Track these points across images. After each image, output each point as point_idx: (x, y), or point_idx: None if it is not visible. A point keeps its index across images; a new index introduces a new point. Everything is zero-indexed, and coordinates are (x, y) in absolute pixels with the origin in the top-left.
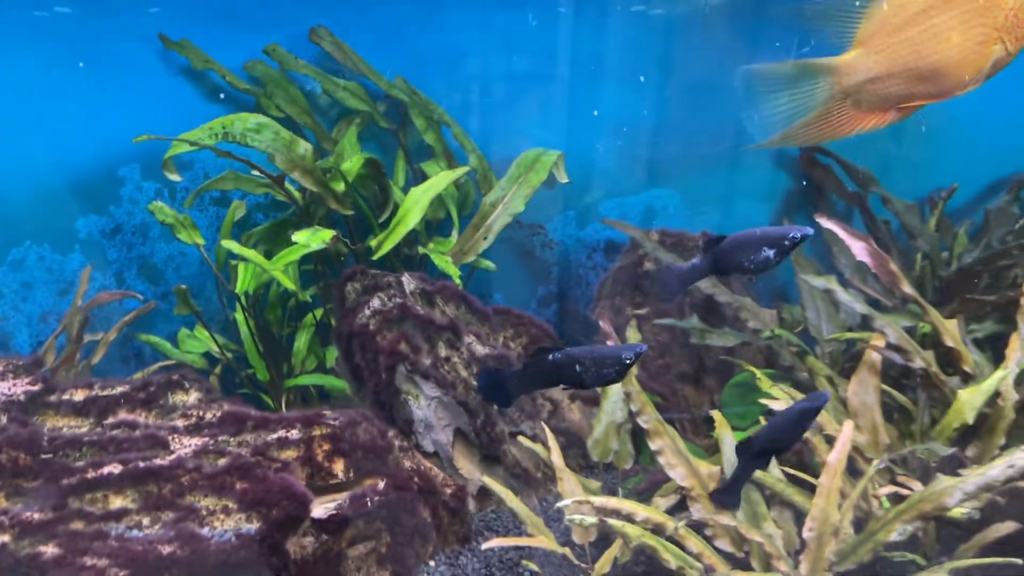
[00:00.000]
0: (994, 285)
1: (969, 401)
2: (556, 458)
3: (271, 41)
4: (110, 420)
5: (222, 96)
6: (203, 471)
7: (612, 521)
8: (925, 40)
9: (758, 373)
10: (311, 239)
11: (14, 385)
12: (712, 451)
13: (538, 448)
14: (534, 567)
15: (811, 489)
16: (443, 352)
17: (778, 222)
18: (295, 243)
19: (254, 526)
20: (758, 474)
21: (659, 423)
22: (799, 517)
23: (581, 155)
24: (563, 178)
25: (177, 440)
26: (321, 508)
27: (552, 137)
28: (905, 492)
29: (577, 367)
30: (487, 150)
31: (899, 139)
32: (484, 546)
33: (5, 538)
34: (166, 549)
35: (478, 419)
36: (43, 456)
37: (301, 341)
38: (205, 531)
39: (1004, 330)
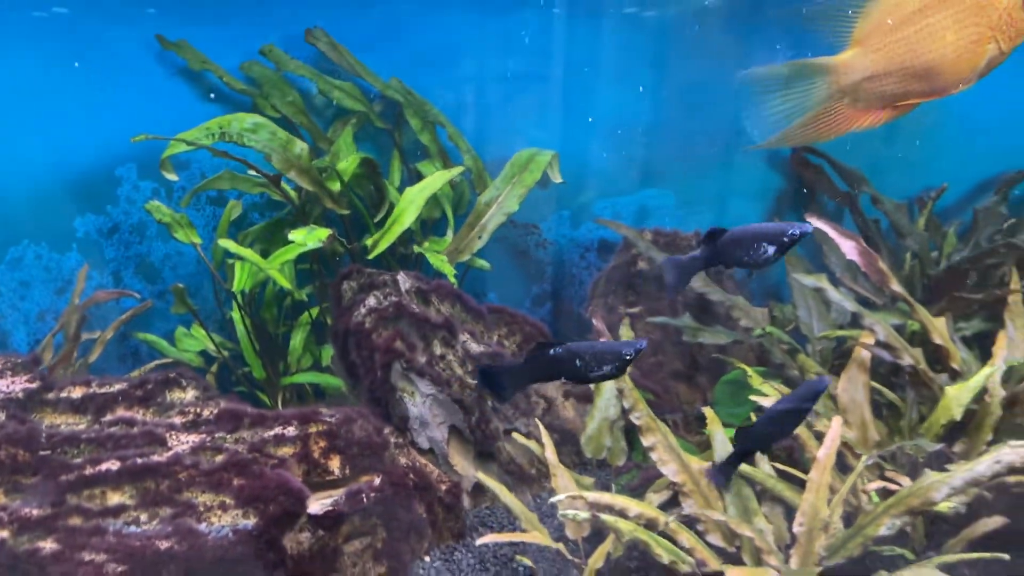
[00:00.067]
0: (982, 284)
1: (957, 398)
2: (550, 454)
3: (267, 42)
4: (108, 417)
5: (212, 96)
6: (200, 468)
7: (605, 516)
8: (921, 39)
9: (749, 371)
10: (308, 238)
11: (12, 383)
12: (704, 448)
13: (532, 445)
14: (528, 562)
15: (801, 485)
16: (438, 350)
17: (769, 221)
18: (292, 242)
19: (251, 522)
20: (749, 470)
21: (651, 419)
22: (790, 512)
23: (575, 155)
24: (557, 178)
25: (174, 437)
26: (317, 504)
27: (546, 137)
28: (894, 487)
29: (577, 362)
30: (482, 150)
31: (889, 139)
32: (479, 541)
33: (4, 534)
34: (164, 544)
35: (473, 416)
36: (41, 453)
37: (297, 339)
38: (202, 527)
39: (992, 328)
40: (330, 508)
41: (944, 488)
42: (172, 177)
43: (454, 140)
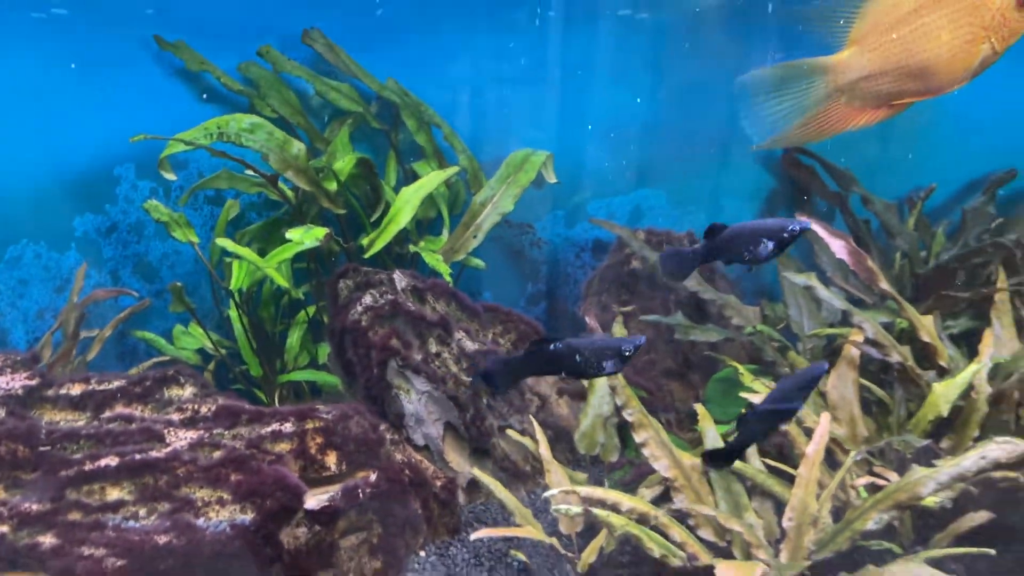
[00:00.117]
0: (970, 282)
1: (944, 394)
2: (544, 451)
3: (265, 43)
4: (107, 414)
5: (205, 96)
6: (198, 463)
7: (597, 511)
8: (916, 39)
9: (741, 368)
10: (304, 236)
11: (12, 379)
12: (697, 444)
13: (527, 441)
14: (522, 557)
15: (791, 480)
16: (434, 348)
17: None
18: (289, 241)
19: (248, 517)
20: (739, 466)
21: (643, 416)
22: (779, 507)
23: (570, 156)
24: (552, 178)
25: (173, 433)
26: (314, 499)
27: (541, 138)
28: (881, 482)
29: (577, 357)
30: (477, 151)
31: (879, 140)
32: (473, 536)
33: (4, 528)
34: (162, 539)
35: (468, 413)
36: (41, 449)
37: (294, 338)
38: (200, 522)
39: (979, 326)
40: (327, 503)
41: (931, 483)
42: (170, 177)
43: (450, 140)
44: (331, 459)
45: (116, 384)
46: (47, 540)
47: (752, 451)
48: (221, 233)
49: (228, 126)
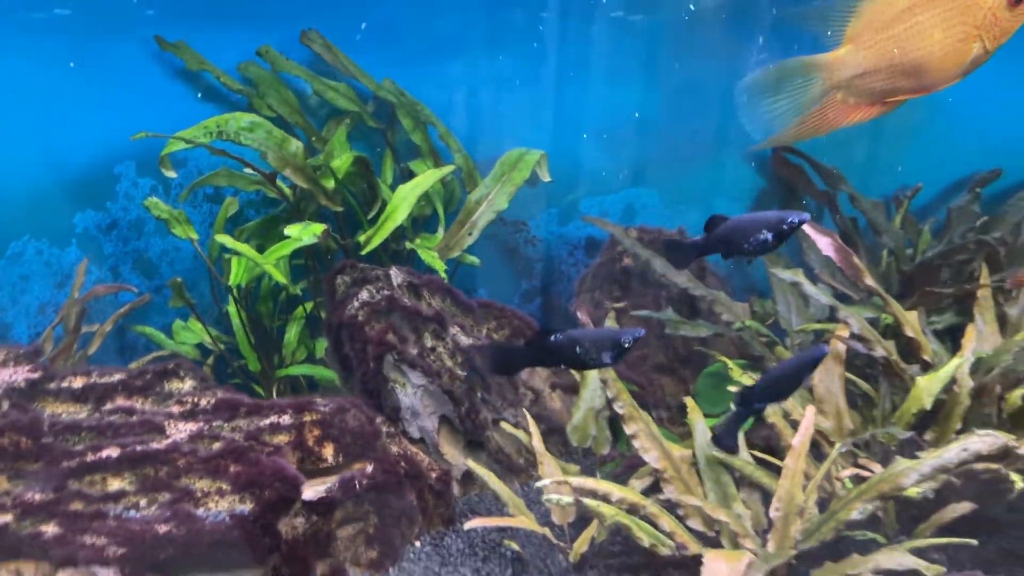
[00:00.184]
0: (955, 279)
1: (927, 388)
2: (537, 443)
3: (264, 43)
4: (108, 406)
5: (200, 95)
6: (198, 455)
7: (588, 501)
8: (909, 37)
9: (730, 363)
10: (303, 233)
11: (15, 373)
12: (687, 438)
13: (520, 434)
14: (515, 547)
15: (778, 472)
16: (429, 342)
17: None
18: (287, 237)
19: (247, 507)
20: (727, 458)
21: (634, 408)
22: (767, 498)
23: (564, 155)
24: (546, 177)
25: (173, 425)
26: (311, 490)
27: (535, 137)
28: (866, 474)
29: (577, 348)
30: (472, 149)
31: (867, 140)
32: (467, 525)
33: (7, 518)
34: (162, 529)
35: (462, 407)
36: (44, 440)
37: (291, 333)
38: (200, 512)
39: (963, 322)
40: (324, 494)
41: (913, 474)
42: (171, 174)
43: (445, 140)
44: (328, 451)
45: (117, 377)
46: (50, 529)
47: (741, 443)
48: (220, 230)
49: (227, 125)
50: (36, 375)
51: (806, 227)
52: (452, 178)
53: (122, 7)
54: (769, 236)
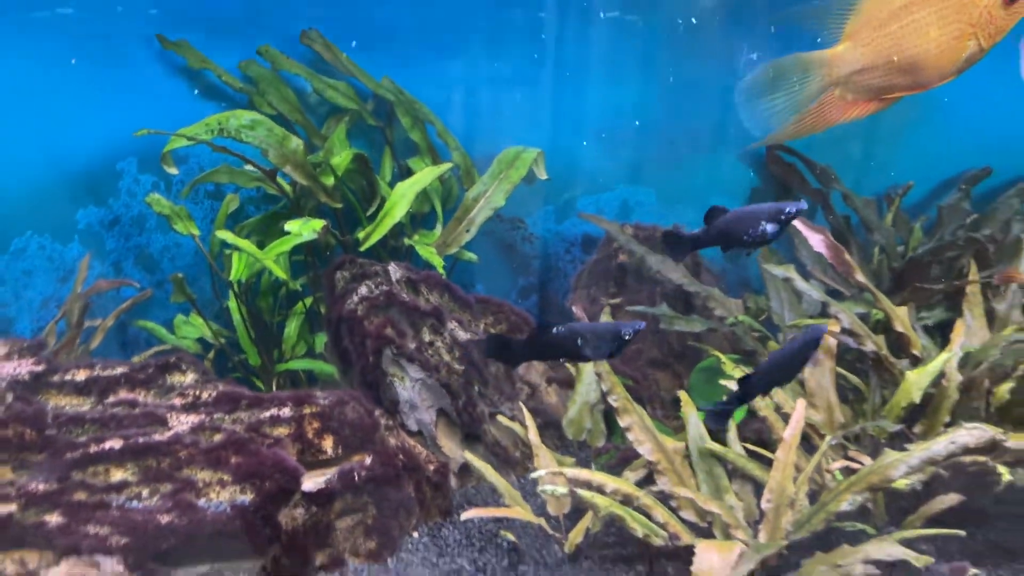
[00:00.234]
0: (946, 276)
1: (916, 382)
2: (533, 436)
3: (264, 42)
4: (111, 399)
5: (196, 93)
6: (200, 446)
7: (582, 492)
8: (906, 34)
9: (723, 357)
10: (303, 228)
11: (19, 365)
12: (681, 431)
13: (516, 427)
14: (511, 537)
15: (770, 464)
16: (427, 337)
17: None
18: (287, 233)
19: (248, 498)
20: (720, 450)
21: (628, 402)
22: (759, 489)
23: (560, 153)
24: (542, 175)
25: (175, 417)
26: (311, 482)
27: (532, 135)
28: (856, 466)
29: (578, 340)
30: (470, 147)
31: (859, 139)
32: (464, 516)
33: (12, 508)
34: (165, 519)
35: (460, 400)
36: (48, 432)
37: (291, 328)
38: (202, 502)
39: (953, 317)
40: (323, 486)
41: (902, 467)
42: (172, 171)
43: (443, 137)
44: (328, 443)
45: (120, 370)
46: (54, 519)
47: (733, 436)
48: (221, 226)
49: (229, 122)
50: (40, 368)
51: (799, 224)
52: (450, 176)
53: (125, 6)
54: (768, 227)
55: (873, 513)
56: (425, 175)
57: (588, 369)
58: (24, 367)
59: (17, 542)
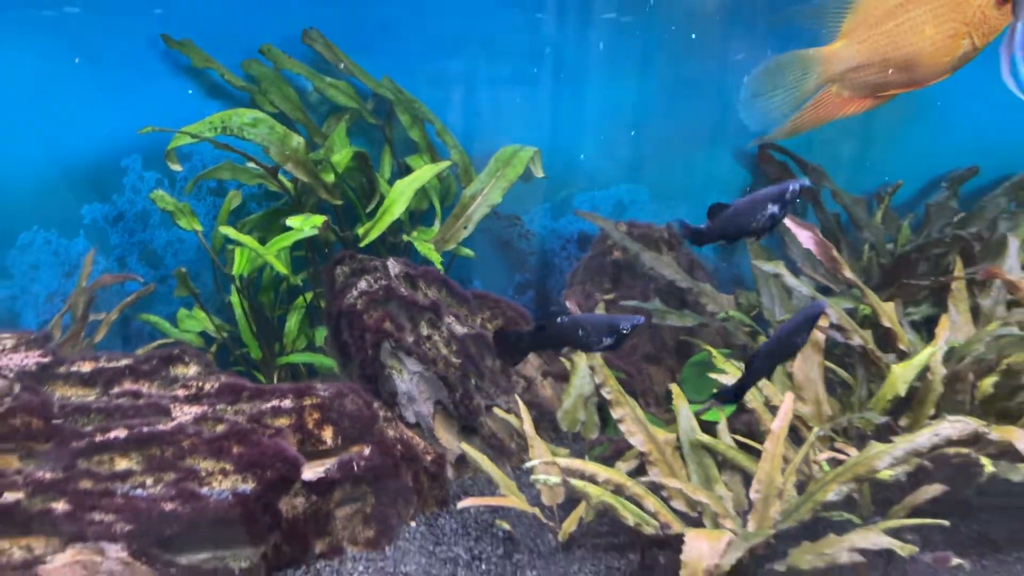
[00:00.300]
0: (934, 272)
1: (902, 375)
2: (528, 427)
3: (266, 42)
4: (115, 390)
5: (190, 93)
6: (202, 436)
7: (575, 481)
8: (901, 32)
9: (714, 352)
10: (304, 224)
11: (26, 357)
12: (673, 423)
13: (512, 419)
14: (507, 527)
15: (759, 455)
16: (425, 331)
17: None
18: (288, 230)
19: (249, 486)
20: (710, 441)
21: (620, 394)
22: (748, 480)
23: (556, 152)
24: (539, 173)
25: (178, 408)
26: (311, 471)
27: (529, 134)
28: (842, 457)
29: (580, 332)
30: (468, 146)
31: (849, 138)
32: (460, 505)
33: (20, 495)
34: (168, 506)
35: (457, 393)
36: (54, 421)
37: (292, 322)
38: (204, 490)
39: (939, 312)
40: (323, 475)
41: (887, 458)
42: (176, 168)
43: (441, 136)
44: (327, 434)
45: (124, 362)
46: (60, 506)
47: (723, 427)
48: (223, 222)
49: (231, 120)
50: (46, 359)
51: (788, 222)
52: (448, 173)
53: (130, 6)
54: (775, 208)
55: (859, 504)
56: (424, 173)
57: (582, 363)
58: (31, 359)
59: (24, 529)
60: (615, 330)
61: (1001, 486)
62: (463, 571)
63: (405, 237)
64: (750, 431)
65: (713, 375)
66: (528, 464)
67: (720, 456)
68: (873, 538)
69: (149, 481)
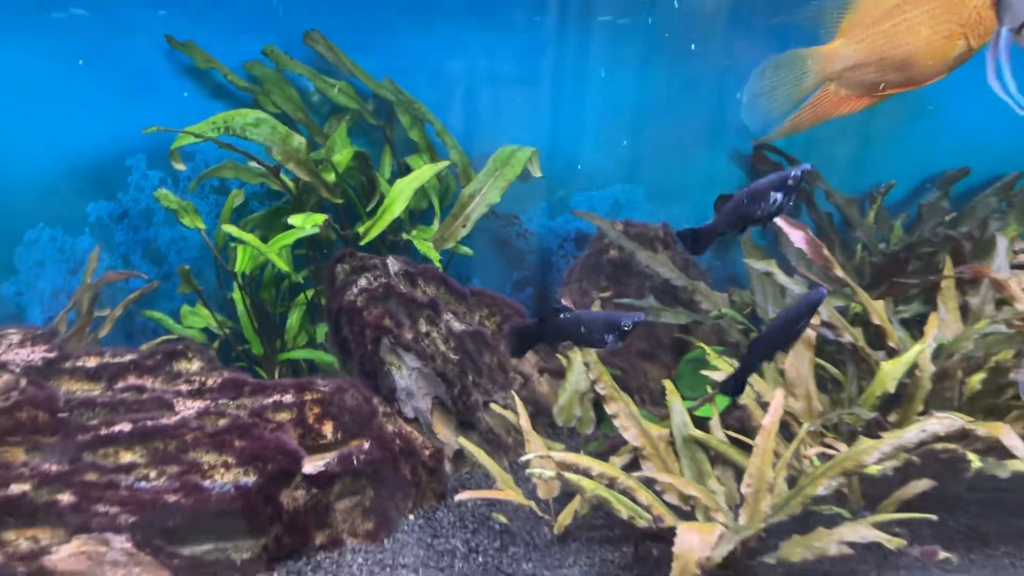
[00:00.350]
0: (925, 271)
1: (891, 372)
2: (524, 422)
3: (269, 43)
4: (120, 384)
5: (186, 95)
6: (205, 430)
7: (569, 475)
8: (898, 32)
9: (708, 349)
10: (306, 222)
11: (32, 352)
12: (667, 419)
13: (509, 415)
14: (503, 520)
15: (750, 450)
16: (424, 328)
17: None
18: (289, 228)
19: (251, 479)
20: (703, 437)
21: (614, 390)
22: (740, 475)
23: (554, 152)
24: (537, 172)
25: (181, 403)
26: (312, 465)
27: (527, 135)
28: (832, 452)
29: (582, 328)
30: (467, 146)
31: (842, 139)
32: (457, 498)
33: (26, 487)
34: (171, 498)
35: (455, 389)
36: (60, 415)
37: (293, 319)
38: (207, 483)
39: (929, 311)
40: (323, 469)
41: (875, 453)
42: (180, 167)
43: (441, 136)
44: (328, 428)
45: (129, 358)
46: (65, 498)
47: (716, 422)
48: (226, 220)
49: (234, 120)
50: (52, 354)
51: (781, 222)
52: (447, 173)
53: (135, 8)
54: (779, 196)
55: (849, 498)
56: (423, 172)
57: (578, 359)
58: (37, 353)
59: (30, 520)
60: (616, 327)
61: (989, 481)
62: (460, 563)
63: (405, 236)
64: (742, 427)
65: (706, 372)
66: (524, 458)
67: (713, 451)
68: (862, 531)
69: (153, 474)
